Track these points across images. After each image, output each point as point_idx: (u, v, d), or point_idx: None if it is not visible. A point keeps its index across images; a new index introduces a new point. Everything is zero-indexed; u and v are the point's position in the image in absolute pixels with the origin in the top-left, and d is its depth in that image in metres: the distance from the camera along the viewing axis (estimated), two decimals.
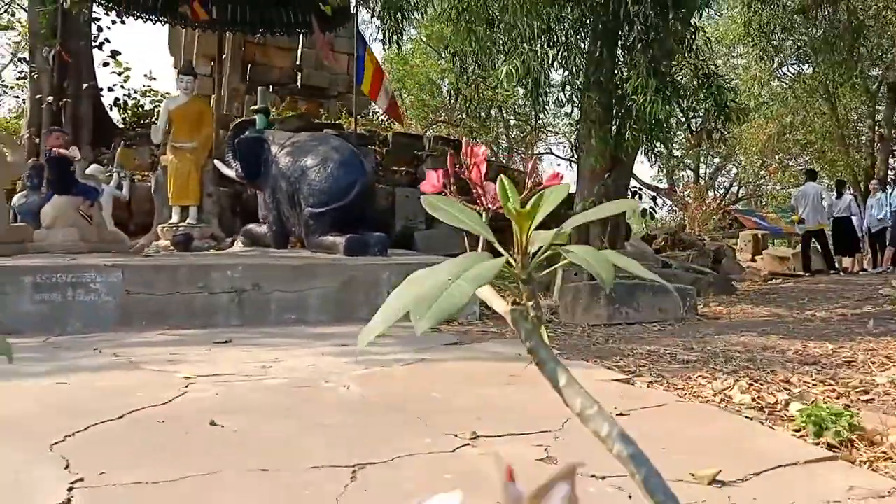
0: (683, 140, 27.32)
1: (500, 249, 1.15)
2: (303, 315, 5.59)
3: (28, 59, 12.30)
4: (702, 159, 28.58)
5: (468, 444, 2.33)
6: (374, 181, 7.71)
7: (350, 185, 6.76)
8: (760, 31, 8.14)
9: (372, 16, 7.70)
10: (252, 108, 9.91)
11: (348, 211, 6.77)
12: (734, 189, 30.21)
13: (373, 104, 13.32)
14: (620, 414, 2.60)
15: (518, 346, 4.21)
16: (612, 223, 7.38)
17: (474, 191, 1.28)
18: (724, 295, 7.51)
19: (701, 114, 6.80)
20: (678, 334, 4.95)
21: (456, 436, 2.40)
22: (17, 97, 17.17)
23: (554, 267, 1.13)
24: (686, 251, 12.42)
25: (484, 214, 1.28)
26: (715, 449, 2.28)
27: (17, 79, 15.37)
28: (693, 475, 1.95)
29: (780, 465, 2.12)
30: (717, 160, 28.81)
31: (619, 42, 6.59)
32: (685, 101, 6.46)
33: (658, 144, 6.48)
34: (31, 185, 9.40)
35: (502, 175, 1.21)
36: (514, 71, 5.78)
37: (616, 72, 6.74)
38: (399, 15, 7.06)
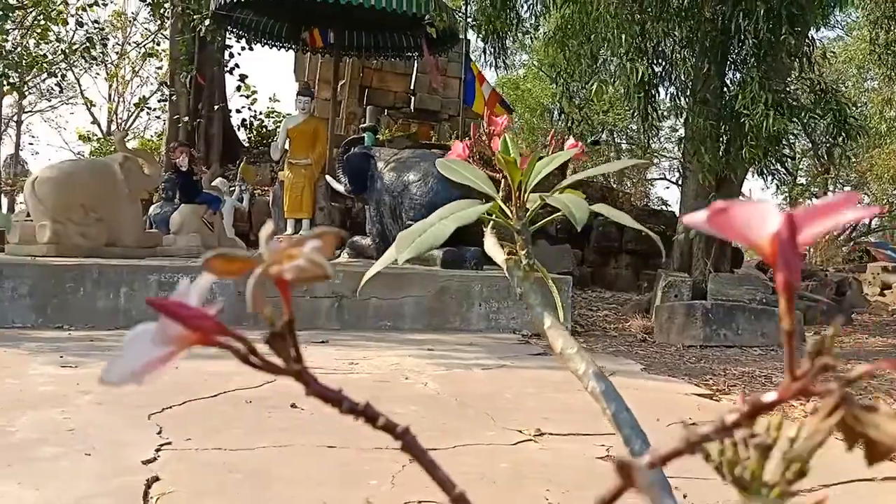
0: (809, 167, 25.86)
1: (496, 198, 1.23)
2: (397, 322, 5.77)
3: (168, 83, 13.45)
4: (830, 187, 26.91)
5: (531, 440, 2.37)
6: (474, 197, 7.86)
7: (448, 200, 6.88)
8: (887, 49, 7.67)
9: (477, 37, 7.90)
10: (361, 126, 10.36)
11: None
12: (866, 220, 28.19)
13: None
14: (693, 423, 2.55)
15: (605, 360, 4.18)
16: (717, 245, 7.12)
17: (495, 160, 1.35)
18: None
19: (819, 130, 6.48)
20: (778, 359, 4.73)
21: (520, 431, 2.45)
22: (159, 118, 18.77)
23: (540, 223, 1.19)
24: (805, 281, 11.74)
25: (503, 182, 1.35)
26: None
27: (159, 101, 16.83)
28: None
29: (853, 480, 2.02)
30: (846, 188, 27.04)
31: (729, 58, 6.41)
32: (801, 117, 6.17)
33: (773, 162, 6.22)
34: (165, 196, 10.24)
35: (505, 135, 1.29)
36: (602, 86, 5.76)
37: (724, 88, 6.56)
38: (502, 36, 7.19)
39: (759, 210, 0.33)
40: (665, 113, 7.15)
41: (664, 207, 24.59)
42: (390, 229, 7.67)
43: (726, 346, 5.18)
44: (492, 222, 1.16)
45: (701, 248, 7.19)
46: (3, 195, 25.57)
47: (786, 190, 19.26)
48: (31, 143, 46.44)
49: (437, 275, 5.86)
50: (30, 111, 28.87)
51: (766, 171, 6.42)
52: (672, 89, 6.81)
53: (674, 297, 6.70)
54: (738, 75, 5.96)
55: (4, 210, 24.09)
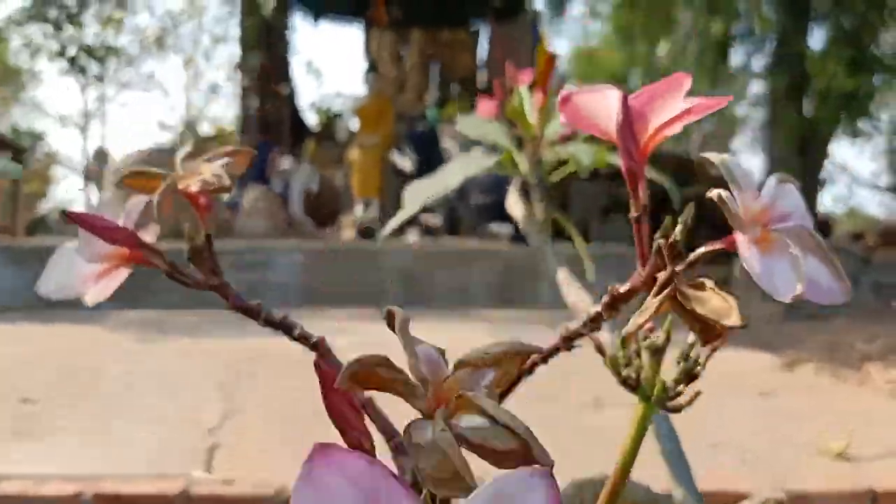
0: None
1: (511, 147, 1.13)
2: (464, 299, 5.72)
3: (238, 69, 13.73)
4: None
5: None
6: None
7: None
8: None
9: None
10: (427, 103, 10.31)
11: None
12: None
13: None
14: (762, 393, 2.40)
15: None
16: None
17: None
18: None
19: None
20: (865, 327, 4.44)
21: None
22: (230, 105, 19.25)
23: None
24: None
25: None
26: (857, 426, 2.02)
27: (231, 86, 17.22)
28: (821, 449, 1.76)
29: None
30: None
31: (811, 13, 5.99)
32: (884, 73, 5.72)
33: (858, 121, 5.81)
34: (237, 182, 10.51)
35: (521, 88, 1.19)
36: (675, 47, 5.48)
37: (805, 45, 6.15)
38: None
39: (602, 98, 0.33)
40: (737, 74, 6.78)
41: None
42: (455, 206, 7.61)
43: (810, 316, 4.91)
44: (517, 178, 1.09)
45: None
46: (92, 182, 26.97)
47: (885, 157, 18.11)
48: (114, 133, 48.63)
49: (504, 250, 5.77)
50: (111, 101, 30.12)
51: (854, 132, 6.00)
52: (746, 48, 6.44)
53: None
54: (819, 32, 5.57)
55: (94, 198, 25.38)
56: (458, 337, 3.82)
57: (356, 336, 3.99)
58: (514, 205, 1.10)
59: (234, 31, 15.07)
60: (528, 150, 1.02)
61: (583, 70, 24.36)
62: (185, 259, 0.42)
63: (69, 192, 32.96)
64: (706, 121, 25.66)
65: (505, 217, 6.97)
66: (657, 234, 0.33)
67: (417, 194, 0.92)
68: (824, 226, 9.62)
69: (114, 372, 3.15)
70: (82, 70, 12.34)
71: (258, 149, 8.26)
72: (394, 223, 0.96)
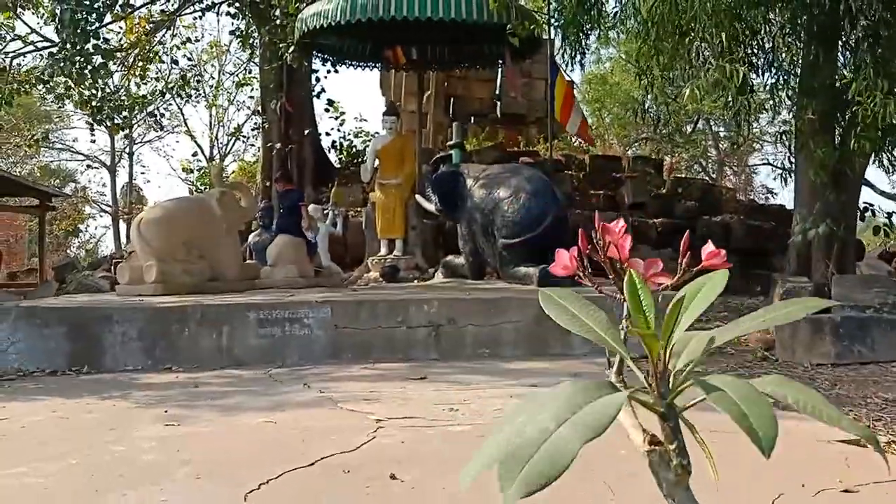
0: None
1: (634, 368, 0.99)
2: (496, 349, 5.59)
3: (260, 111, 13.86)
4: None
5: None
6: (567, 211, 7.59)
7: (542, 216, 6.70)
8: None
9: (560, 39, 7.60)
10: (448, 143, 10.27)
11: (541, 242, 6.70)
12: None
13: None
14: (846, 490, 2.23)
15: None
16: (838, 244, 6.52)
17: (613, 278, 1.13)
18: None
19: None
20: None
21: None
22: (254, 146, 19.45)
23: (693, 403, 0.93)
24: None
25: (624, 307, 1.12)
26: None
27: (253, 129, 17.40)
28: None
29: None
30: None
31: (840, 41, 5.83)
32: None
33: (894, 152, 5.61)
34: (263, 224, 10.49)
35: (631, 270, 1.07)
36: (697, 90, 5.36)
37: (836, 75, 5.98)
38: (586, 34, 6.86)
39: None
40: (764, 106, 6.61)
41: (769, 197, 23.22)
42: (482, 247, 7.50)
43: (861, 362, 4.69)
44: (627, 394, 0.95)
45: (820, 248, 6.60)
46: (122, 221, 27.37)
47: None
48: (143, 172, 49.46)
49: (536, 299, 5.63)
50: (139, 142, 30.65)
51: (890, 162, 5.80)
52: (773, 79, 6.28)
53: None
54: (849, 61, 5.39)
55: (123, 237, 25.80)
56: (496, 406, 3.68)
57: (389, 404, 3.86)
58: (629, 429, 0.95)
59: (255, 72, 15.23)
60: (654, 369, 0.88)
61: (597, 94, 24.28)
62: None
63: (98, 230, 33.45)
64: (724, 138, 25.41)
65: (534, 259, 6.86)
66: None
67: (513, 468, 0.72)
68: (858, 247, 9.35)
69: None
70: (109, 117, 12.54)
71: (284, 197, 8.31)
72: (471, 472, 0.77)
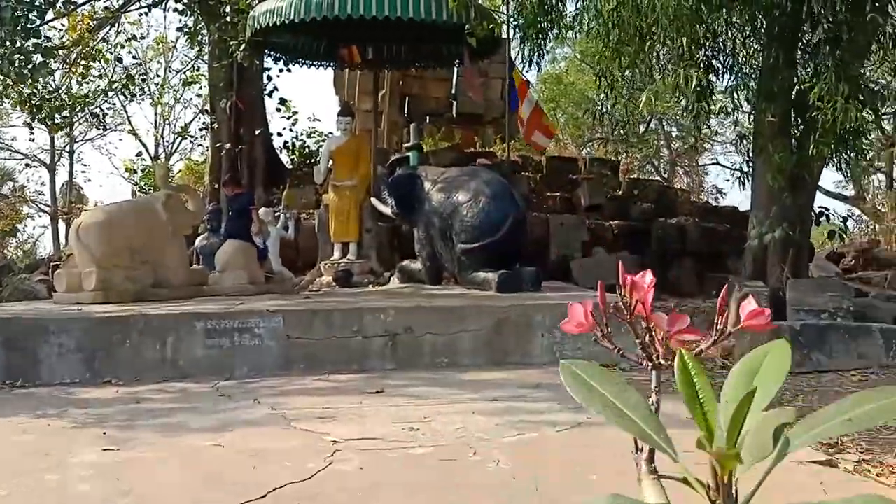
0: (874, 140, 24.46)
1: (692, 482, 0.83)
2: (455, 358, 5.43)
3: (209, 110, 13.41)
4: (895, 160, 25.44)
5: None
6: (526, 215, 7.48)
7: (501, 220, 6.57)
8: None
9: (518, 39, 7.48)
10: (406, 144, 10.07)
11: (500, 246, 6.58)
12: None
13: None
14: None
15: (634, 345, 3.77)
16: (794, 248, 6.55)
17: (639, 338, 0.98)
18: None
19: None
20: (883, 384, 4.22)
21: None
22: (201, 145, 18.93)
23: None
24: (882, 270, 10.96)
25: (654, 376, 0.97)
26: None
27: (200, 129, 16.88)
28: None
29: None
30: None
31: (800, 45, 5.84)
32: (884, 106, 5.59)
33: (851, 155, 5.65)
34: (211, 228, 10.12)
35: (682, 351, 0.92)
36: (654, 96, 5.31)
37: (795, 78, 5.99)
38: (543, 35, 6.74)
39: None
40: (723, 110, 6.61)
41: (719, 198, 23.61)
42: (440, 252, 7.34)
43: (820, 371, 4.68)
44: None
45: (776, 252, 6.63)
46: (61, 220, 26.29)
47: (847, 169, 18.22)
48: (84, 171, 47.66)
49: (495, 306, 5.50)
50: (81, 141, 29.57)
51: (843, 165, 5.83)
52: (733, 82, 6.27)
53: None
54: (809, 64, 5.40)
55: (62, 238, 24.81)
56: (458, 425, 3.52)
57: (345, 423, 3.63)
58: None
59: (204, 70, 14.77)
60: (720, 479, 0.73)
61: (552, 93, 24.35)
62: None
63: (36, 230, 32.18)
64: (677, 138, 25.78)
65: (492, 263, 6.73)
66: None
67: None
68: (809, 251, 9.49)
69: None
70: (49, 116, 11.98)
71: (233, 201, 8.00)
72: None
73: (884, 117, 6.55)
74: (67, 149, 28.99)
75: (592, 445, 3.04)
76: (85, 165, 37.09)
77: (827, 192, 20.65)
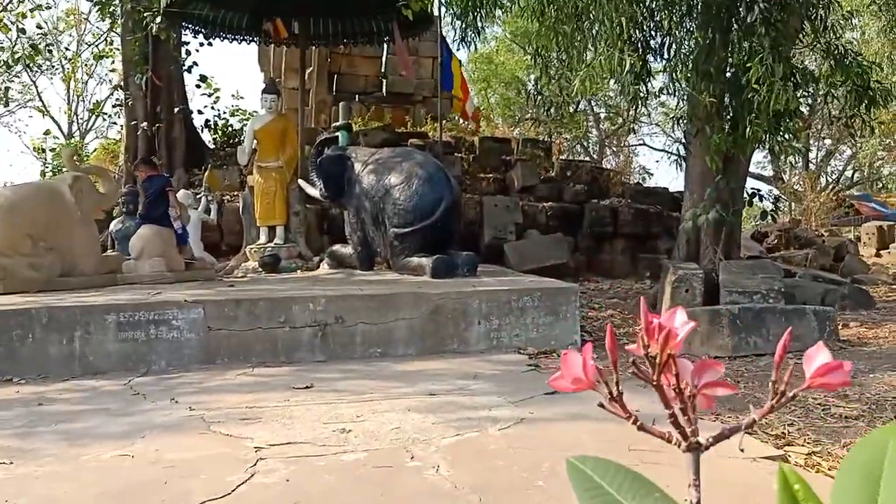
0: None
1: None
2: (389, 348, 5.20)
3: (122, 86, 12.61)
4: (812, 142, 26.53)
5: None
6: (460, 197, 7.26)
7: (435, 204, 6.33)
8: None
9: (451, 17, 7.21)
10: (334, 124, 9.68)
11: (434, 230, 6.35)
12: (848, 173, 27.92)
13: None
14: None
15: (641, 394, 3.63)
16: (726, 230, 6.58)
17: (669, 408, 0.75)
18: (862, 310, 6.57)
19: (840, 100, 5.93)
20: None
21: None
22: (116, 123, 17.88)
23: None
24: (804, 249, 11.31)
25: (692, 462, 0.74)
26: None
27: (114, 106, 15.90)
28: None
29: None
30: (828, 142, 26.68)
31: (735, 25, 5.80)
32: (817, 88, 5.62)
33: (786, 137, 5.66)
34: (126, 210, 9.52)
35: (784, 467, 0.70)
36: (588, 83, 5.20)
37: (730, 59, 5.96)
38: (476, 13, 6.51)
39: None
40: (659, 92, 6.56)
41: (646, 178, 24.05)
42: (372, 236, 7.06)
43: (756, 354, 4.66)
44: None
45: (709, 233, 6.64)
46: None
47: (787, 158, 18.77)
48: None
49: (430, 294, 5.27)
50: None
51: (776, 147, 5.85)
52: (670, 64, 6.18)
53: (685, 291, 6.17)
54: (744, 45, 5.35)
55: None
56: (393, 424, 3.28)
57: (270, 425, 3.31)
58: None
59: (118, 43, 13.85)
60: None
61: (482, 73, 24.18)
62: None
63: None
64: (604, 120, 26.06)
65: (427, 248, 6.50)
66: None
67: None
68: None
69: None
70: None
71: (148, 182, 7.47)
72: None
73: (806, 99, 6.60)
74: None
75: (538, 446, 2.86)
76: None
77: (751, 175, 21.29)
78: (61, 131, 26.59)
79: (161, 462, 2.93)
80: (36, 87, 23.53)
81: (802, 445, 2.79)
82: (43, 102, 25.41)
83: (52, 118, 25.15)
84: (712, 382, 0.71)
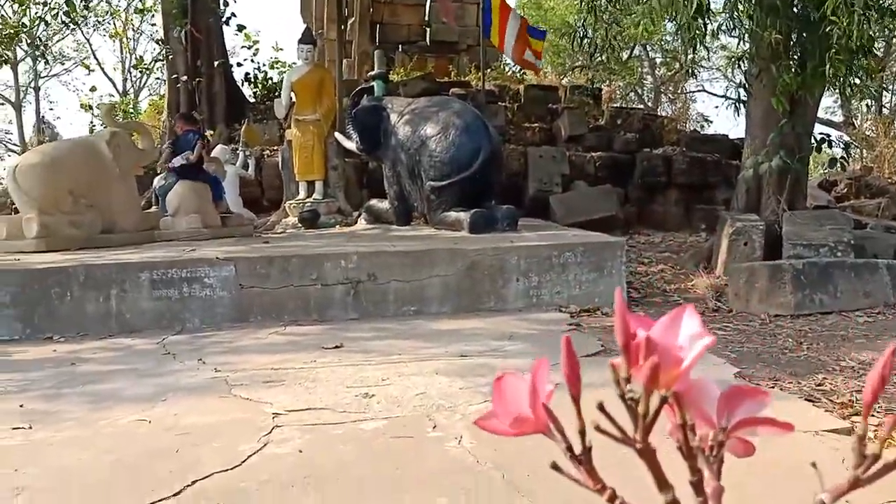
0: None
1: None
2: (423, 306, 4.99)
3: (163, 40, 12.50)
4: (885, 84, 24.87)
5: None
6: (500, 148, 6.92)
7: (474, 155, 6.01)
8: None
9: None
10: (369, 73, 9.36)
11: (473, 183, 6.05)
12: None
13: (502, 56, 12.38)
14: None
15: None
16: (791, 178, 6.08)
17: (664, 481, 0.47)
18: None
19: None
20: (893, 328, 3.83)
21: None
22: (158, 78, 17.90)
23: None
24: (875, 198, 10.58)
25: None
26: None
27: (154, 60, 15.87)
28: None
29: None
30: None
31: None
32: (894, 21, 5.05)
33: (861, 77, 5.12)
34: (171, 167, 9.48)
35: None
36: (643, 26, 4.74)
37: None
38: None
39: None
40: (719, 30, 6.03)
41: (704, 126, 23.03)
42: (409, 190, 6.81)
43: (822, 312, 4.28)
44: None
45: (772, 182, 6.15)
46: None
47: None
48: (52, 108, 45.87)
49: (466, 249, 5.02)
50: (45, 76, 28.26)
51: (848, 88, 5.31)
52: (730, 1, 5.64)
53: (743, 244, 5.76)
54: None
55: None
56: (419, 389, 3.07)
57: (292, 389, 3.17)
58: None
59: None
60: None
61: (531, 20, 23.35)
62: None
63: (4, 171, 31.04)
64: (661, 65, 24.95)
65: (465, 202, 6.23)
66: None
67: None
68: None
69: None
70: None
71: (181, 139, 7.36)
72: None
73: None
74: (32, 85, 27.70)
75: (569, 414, 2.61)
76: (52, 102, 35.56)
77: (819, 120, 20.12)
78: (116, 89, 26.95)
79: (177, 428, 2.80)
80: (90, 44, 23.75)
81: (872, 415, 2.47)
82: (97, 59, 25.66)
83: (107, 75, 25.49)
84: (752, 420, 0.43)
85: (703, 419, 0.42)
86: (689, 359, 0.42)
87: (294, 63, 10.55)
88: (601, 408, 0.44)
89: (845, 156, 6.11)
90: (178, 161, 7.01)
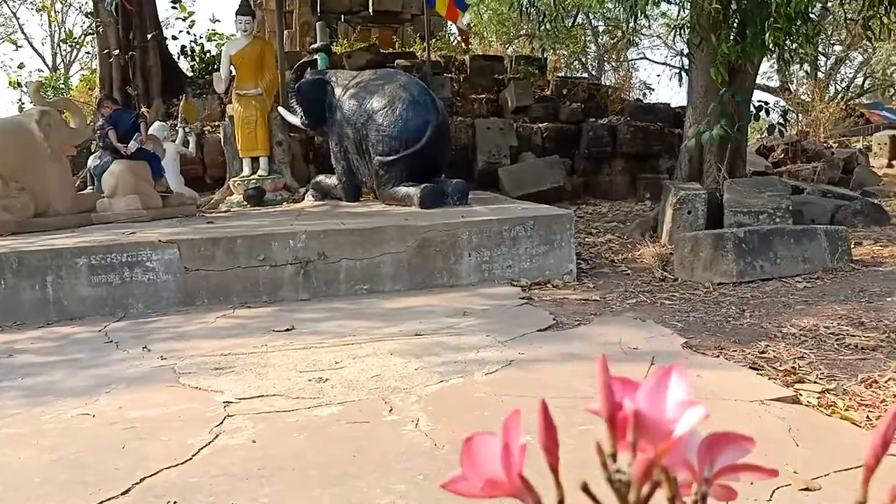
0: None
1: None
2: (375, 284, 4.94)
3: (92, 13, 11.93)
4: (820, 48, 25.56)
5: None
6: (448, 121, 6.85)
7: (422, 128, 5.94)
8: None
9: None
10: (311, 46, 9.13)
11: (421, 157, 5.99)
12: (858, 81, 27.02)
13: (448, 25, 12.25)
14: (805, 489, 1.77)
15: (630, 329, 3.34)
16: (731, 146, 6.21)
17: None
18: (875, 226, 6.27)
19: (858, 0, 5.45)
20: (833, 294, 3.96)
21: None
22: (89, 54, 17.14)
23: None
24: (811, 163, 10.92)
25: None
26: None
27: (84, 34, 15.16)
28: None
29: None
30: (837, 48, 25.69)
31: None
32: None
33: (799, 43, 5.22)
34: (104, 145, 9.12)
35: None
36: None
37: None
38: None
39: None
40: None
41: (646, 94, 23.31)
42: (357, 165, 6.71)
43: (763, 279, 4.40)
44: None
45: (713, 151, 6.27)
46: None
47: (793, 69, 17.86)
48: None
49: (417, 225, 4.97)
50: None
51: (788, 55, 5.41)
52: None
53: (687, 213, 5.87)
54: None
55: None
56: (374, 371, 3.04)
57: (243, 376, 3.05)
58: None
59: None
60: None
61: None
62: None
63: None
64: (604, 33, 25.07)
65: (414, 176, 6.17)
66: None
67: None
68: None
69: None
70: None
71: (120, 118, 7.08)
72: None
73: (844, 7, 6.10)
74: None
75: (526, 393, 2.62)
76: None
77: (757, 86, 20.56)
78: (45, 64, 25.72)
79: (122, 422, 2.71)
80: (17, 18, 22.56)
81: (815, 382, 2.55)
82: (25, 34, 24.41)
83: (35, 50, 24.29)
84: (735, 467, 0.41)
85: (684, 466, 0.40)
86: (686, 426, 0.39)
87: (232, 35, 10.20)
88: (585, 488, 0.41)
89: (783, 122, 6.26)
90: (133, 146, 6.76)
